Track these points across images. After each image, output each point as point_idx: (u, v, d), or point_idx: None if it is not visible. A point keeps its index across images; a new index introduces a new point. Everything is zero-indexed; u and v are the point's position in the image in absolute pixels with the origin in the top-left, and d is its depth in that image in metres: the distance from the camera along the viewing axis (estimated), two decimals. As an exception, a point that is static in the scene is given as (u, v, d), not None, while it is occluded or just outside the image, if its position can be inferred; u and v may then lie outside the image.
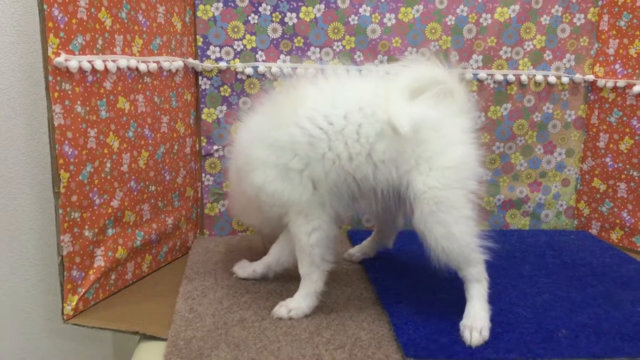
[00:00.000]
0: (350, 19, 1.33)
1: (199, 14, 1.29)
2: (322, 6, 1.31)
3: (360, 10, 1.33)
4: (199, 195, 1.37)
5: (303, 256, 0.98)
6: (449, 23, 1.35)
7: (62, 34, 0.93)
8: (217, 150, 1.36)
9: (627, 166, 1.38)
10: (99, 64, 0.99)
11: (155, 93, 1.16)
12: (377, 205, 0.97)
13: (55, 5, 0.91)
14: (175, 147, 1.24)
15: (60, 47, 0.92)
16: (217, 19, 1.30)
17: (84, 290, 1.01)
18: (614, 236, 1.43)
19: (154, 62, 1.13)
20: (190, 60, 1.28)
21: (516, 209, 1.49)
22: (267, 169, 0.93)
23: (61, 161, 0.94)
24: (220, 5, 1.29)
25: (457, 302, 0.95)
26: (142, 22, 1.11)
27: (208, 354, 0.85)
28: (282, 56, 1.34)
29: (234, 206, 1.18)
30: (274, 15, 1.31)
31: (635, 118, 1.35)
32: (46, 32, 0.90)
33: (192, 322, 0.94)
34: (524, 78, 1.40)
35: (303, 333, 0.92)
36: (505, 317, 0.96)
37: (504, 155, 1.46)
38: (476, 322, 0.89)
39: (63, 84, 0.94)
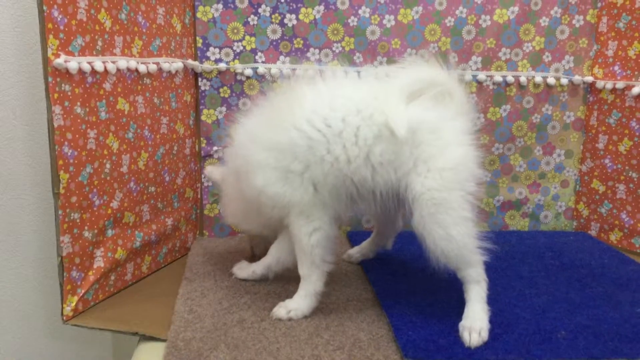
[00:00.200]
0: (349, 21, 1.33)
1: (198, 15, 1.29)
2: (322, 7, 1.32)
3: (360, 11, 1.33)
4: (199, 196, 1.37)
5: (303, 257, 0.98)
6: (448, 24, 1.36)
7: (61, 35, 0.93)
8: (216, 151, 1.36)
9: (626, 167, 1.38)
10: (98, 65, 0.99)
11: (155, 94, 1.16)
12: (376, 206, 0.97)
13: (55, 6, 0.91)
14: (175, 148, 1.25)
15: (60, 48, 0.93)
16: (217, 20, 1.30)
17: (83, 291, 1.01)
18: (613, 237, 1.43)
19: (153, 63, 1.13)
20: (190, 61, 1.28)
21: (515, 210, 1.49)
22: (267, 171, 0.93)
23: (61, 162, 0.94)
24: (220, 6, 1.29)
25: (456, 303, 0.95)
26: (142, 23, 1.11)
27: (207, 354, 0.85)
28: (281, 57, 1.34)
29: (229, 210, 1.14)
30: (273, 16, 1.31)
31: (634, 119, 1.35)
32: (46, 33, 0.90)
33: (192, 323, 0.94)
34: (523, 79, 1.40)
35: (302, 334, 0.92)
36: (504, 318, 0.96)
37: (503, 157, 1.46)
38: (475, 323, 0.89)
39: (63, 85, 0.94)
